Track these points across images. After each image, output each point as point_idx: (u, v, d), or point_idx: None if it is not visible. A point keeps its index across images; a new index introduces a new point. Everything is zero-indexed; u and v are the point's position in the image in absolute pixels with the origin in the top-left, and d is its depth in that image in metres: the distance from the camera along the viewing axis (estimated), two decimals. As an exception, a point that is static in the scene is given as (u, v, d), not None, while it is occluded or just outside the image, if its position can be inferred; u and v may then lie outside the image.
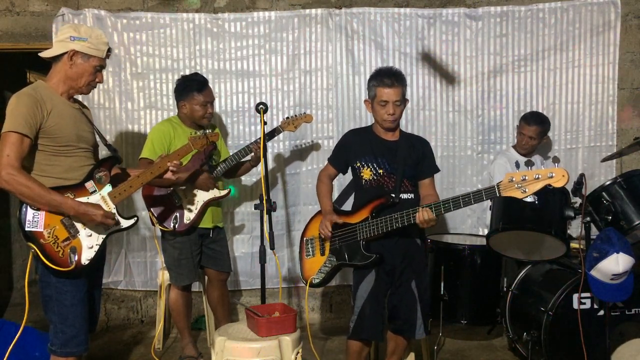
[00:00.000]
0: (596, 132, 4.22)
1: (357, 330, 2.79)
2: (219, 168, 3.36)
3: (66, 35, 2.39)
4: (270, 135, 3.59)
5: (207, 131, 2.96)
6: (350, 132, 3.04)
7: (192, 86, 3.30)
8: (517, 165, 2.38)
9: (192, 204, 3.28)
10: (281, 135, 4.16)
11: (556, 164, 2.33)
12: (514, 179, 2.33)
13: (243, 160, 3.51)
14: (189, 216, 3.26)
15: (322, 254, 2.92)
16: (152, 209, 3.28)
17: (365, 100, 2.92)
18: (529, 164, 2.36)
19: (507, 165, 3.74)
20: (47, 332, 2.47)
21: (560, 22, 4.18)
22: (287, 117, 3.65)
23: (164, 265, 3.46)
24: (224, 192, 3.39)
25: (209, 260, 3.43)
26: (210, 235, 3.41)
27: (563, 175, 2.26)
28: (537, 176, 2.29)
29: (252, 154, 3.44)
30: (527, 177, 2.31)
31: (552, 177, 2.27)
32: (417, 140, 2.94)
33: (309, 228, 3.04)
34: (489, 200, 3.32)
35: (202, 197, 3.30)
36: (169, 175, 2.66)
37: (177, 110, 3.44)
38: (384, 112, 2.77)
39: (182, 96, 3.34)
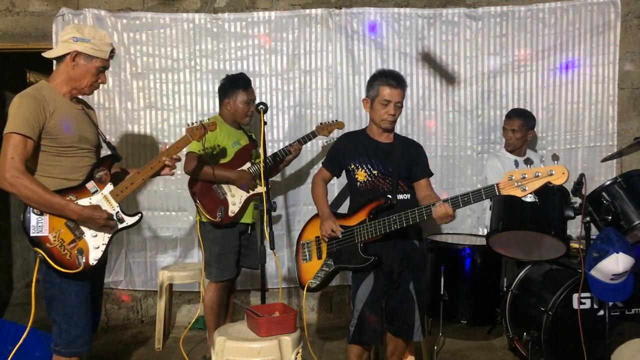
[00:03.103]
0: (596, 132, 4.22)
1: (358, 335, 2.77)
2: (255, 167, 3.43)
3: (69, 35, 2.38)
4: (307, 139, 3.70)
5: (205, 120, 2.98)
6: (343, 136, 3.05)
7: (239, 84, 3.42)
8: (517, 164, 2.36)
9: (236, 197, 3.36)
10: (281, 135, 4.19)
11: (555, 162, 2.32)
12: (513, 178, 2.32)
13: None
14: (233, 209, 3.34)
15: (319, 257, 2.91)
16: (198, 201, 3.33)
17: (363, 99, 2.92)
18: (528, 162, 2.35)
19: (498, 166, 3.73)
20: (47, 332, 2.47)
21: (560, 22, 4.18)
22: (321, 123, 3.82)
23: (205, 262, 3.42)
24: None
25: (243, 258, 3.49)
26: (248, 231, 3.48)
27: (563, 173, 2.25)
28: (537, 174, 2.27)
29: (290, 155, 3.60)
30: (527, 176, 2.29)
31: (552, 174, 2.26)
32: (410, 143, 2.96)
33: (305, 232, 3.03)
34: (489, 199, 3.33)
35: (244, 192, 3.39)
36: (166, 171, 2.65)
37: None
38: (384, 112, 2.78)
39: (227, 94, 3.43)
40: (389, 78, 2.78)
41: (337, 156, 2.95)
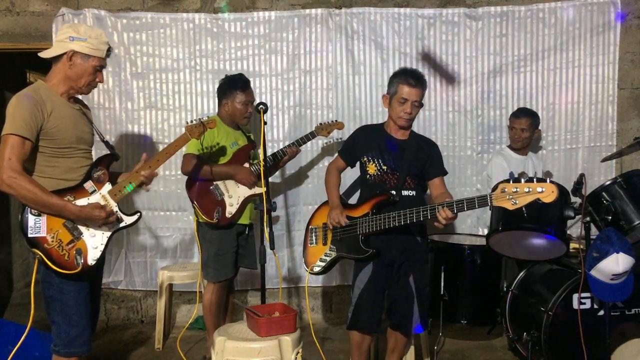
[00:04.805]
0: (596, 132, 4.22)
1: (354, 321, 2.85)
2: (254, 168, 3.43)
3: (65, 35, 2.38)
4: (306, 139, 3.70)
5: (204, 118, 2.99)
6: (362, 127, 3.13)
7: (236, 84, 3.40)
8: (512, 176, 2.43)
9: (233, 198, 3.35)
10: (281, 135, 4.19)
11: (548, 179, 2.40)
12: (506, 190, 2.40)
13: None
14: (230, 210, 3.33)
15: (325, 243, 3.00)
16: (195, 202, 3.32)
17: (383, 95, 2.97)
18: (522, 175, 2.42)
19: (503, 164, 3.75)
20: (46, 332, 2.47)
21: (560, 22, 4.18)
22: (321, 124, 3.80)
23: (202, 262, 3.41)
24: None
25: (240, 258, 3.49)
26: (246, 232, 3.48)
27: (552, 191, 2.33)
28: (528, 189, 2.36)
29: (286, 156, 3.60)
30: (518, 190, 2.37)
31: (542, 192, 2.34)
32: (425, 142, 3.00)
33: (315, 217, 3.13)
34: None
35: (242, 192, 3.38)
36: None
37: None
38: (400, 110, 2.82)
39: (225, 94, 3.42)
40: (408, 77, 2.81)
41: (352, 147, 3.02)
